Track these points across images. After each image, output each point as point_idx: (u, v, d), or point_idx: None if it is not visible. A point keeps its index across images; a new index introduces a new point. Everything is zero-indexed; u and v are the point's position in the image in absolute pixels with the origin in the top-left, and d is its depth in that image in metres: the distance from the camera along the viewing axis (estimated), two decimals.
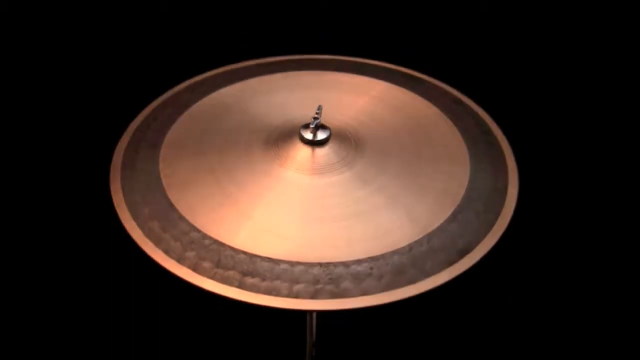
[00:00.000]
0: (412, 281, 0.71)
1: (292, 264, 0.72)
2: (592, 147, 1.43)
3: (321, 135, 0.84)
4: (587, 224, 1.36)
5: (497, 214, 0.80)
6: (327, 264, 0.72)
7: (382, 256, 0.73)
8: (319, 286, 0.71)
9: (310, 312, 0.92)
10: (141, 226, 0.78)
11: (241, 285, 0.71)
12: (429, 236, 0.75)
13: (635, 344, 1.23)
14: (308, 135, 0.84)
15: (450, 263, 0.73)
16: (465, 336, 1.26)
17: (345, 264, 0.72)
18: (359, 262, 0.72)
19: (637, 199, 1.37)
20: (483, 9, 1.42)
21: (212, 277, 0.72)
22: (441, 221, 0.77)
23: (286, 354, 1.15)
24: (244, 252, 0.73)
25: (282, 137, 0.86)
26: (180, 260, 0.74)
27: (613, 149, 1.42)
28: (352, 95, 0.96)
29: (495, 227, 0.78)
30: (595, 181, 1.40)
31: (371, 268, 0.72)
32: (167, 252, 0.75)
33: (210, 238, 0.75)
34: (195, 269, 0.73)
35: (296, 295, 0.70)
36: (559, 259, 1.32)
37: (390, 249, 0.73)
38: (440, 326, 1.27)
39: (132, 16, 1.44)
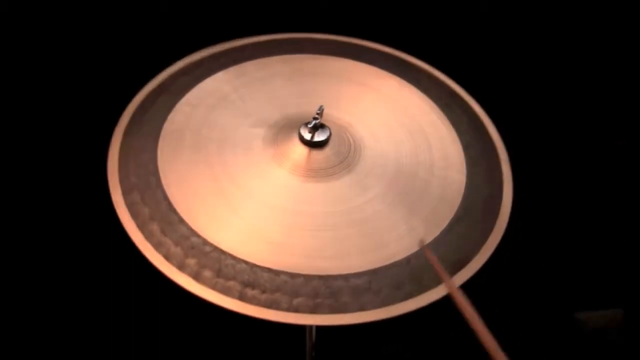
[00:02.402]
0: (409, 296, 0.73)
1: (292, 275, 0.73)
2: (590, 148, 1.44)
3: (321, 136, 0.83)
4: (584, 227, 1.37)
5: (492, 224, 0.81)
6: (327, 277, 0.73)
7: (381, 269, 0.74)
8: (318, 300, 0.72)
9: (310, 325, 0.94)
10: (141, 228, 0.78)
11: (242, 297, 0.72)
12: (427, 248, 0.76)
13: None
14: (307, 136, 0.83)
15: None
16: (463, 343, 1.28)
17: (345, 277, 0.73)
18: (357, 275, 0.74)
19: (637, 202, 1.39)
20: (483, 9, 1.39)
21: (213, 287, 0.73)
22: (438, 232, 0.78)
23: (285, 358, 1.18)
24: (245, 262, 0.74)
25: (281, 134, 0.86)
26: (181, 267, 0.74)
27: (612, 149, 1.43)
28: (353, 87, 0.94)
29: (490, 238, 0.79)
30: (592, 181, 1.42)
31: (370, 282, 0.73)
32: (167, 257, 0.75)
33: (211, 245, 0.75)
34: (196, 277, 0.73)
35: (296, 309, 0.71)
36: (556, 265, 1.34)
37: (388, 262, 0.75)
38: (438, 334, 1.30)
39: None
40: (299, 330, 0.98)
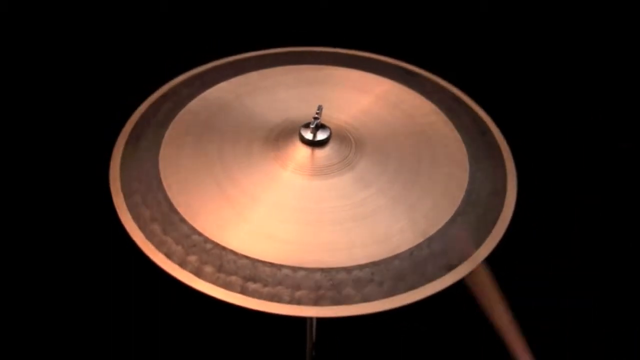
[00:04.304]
0: (412, 287, 0.72)
1: (294, 269, 0.73)
2: (591, 148, 1.44)
3: (321, 135, 0.84)
4: (587, 228, 1.37)
5: (496, 217, 0.80)
6: (329, 270, 0.73)
7: (383, 261, 0.73)
8: (320, 292, 0.71)
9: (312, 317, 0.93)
10: (142, 228, 0.78)
11: (244, 291, 0.72)
12: (430, 240, 0.76)
13: None
14: (308, 136, 0.84)
15: (450, 268, 0.74)
16: (465, 337, 1.27)
17: (347, 270, 0.73)
18: (360, 267, 0.73)
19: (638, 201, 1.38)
20: (483, 9, 1.41)
21: (215, 282, 0.72)
22: (441, 225, 0.77)
23: (286, 356, 1.16)
24: (246, 257, 0.74)
25: (282, 136, 0.86)
26: (182, 264, 0.74)
27: (613, 149, 1.43)
28: (354, 93, 0.95)
29: (494, 231, 0.79)
30: (595, 181, 1.41)
31: (372, 274, 0.73)
32: (168, 255, 0.75)
33: (212, 242, 0.75)
34: (197, 273, 0.73)
35: (298, 302, 0.71)
36: (558, 261, 1.33)
37: (391, 254, 0.74)
38: (441, 328, 1.28)
39: (128, 6, 1.42)
40: (301, 325, 0.97)
